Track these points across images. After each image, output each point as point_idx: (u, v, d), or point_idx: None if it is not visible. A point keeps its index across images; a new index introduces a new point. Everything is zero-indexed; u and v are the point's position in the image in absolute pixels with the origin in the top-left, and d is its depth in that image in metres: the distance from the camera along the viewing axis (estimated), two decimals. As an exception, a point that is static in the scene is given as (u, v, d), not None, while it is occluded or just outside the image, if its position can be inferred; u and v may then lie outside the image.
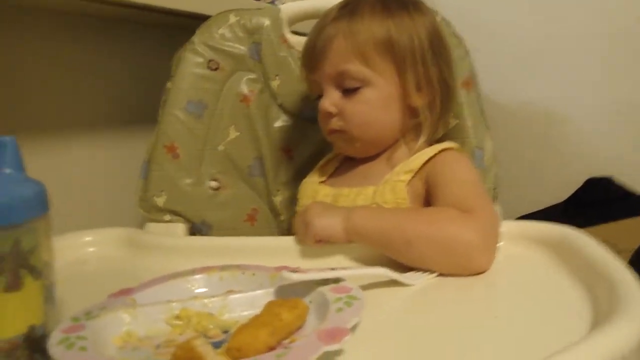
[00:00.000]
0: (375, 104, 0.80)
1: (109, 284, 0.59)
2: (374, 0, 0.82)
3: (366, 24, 0.79)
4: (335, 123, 0.83)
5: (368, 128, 0.82)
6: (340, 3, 0.84)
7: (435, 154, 0.80)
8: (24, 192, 0.45)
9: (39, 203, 0.47)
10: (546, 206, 1.52)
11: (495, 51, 1.59)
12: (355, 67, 0.79)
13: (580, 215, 1.39)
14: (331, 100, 0.81)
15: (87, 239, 0.80)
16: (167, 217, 0.92)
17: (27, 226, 0.45)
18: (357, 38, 0.79)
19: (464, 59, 0.93)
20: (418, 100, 0.81)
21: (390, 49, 0.79)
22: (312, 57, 0.84)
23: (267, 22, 1.00)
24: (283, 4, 1.65)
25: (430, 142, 0.85)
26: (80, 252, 0.78)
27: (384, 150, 0.85)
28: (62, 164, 1.02)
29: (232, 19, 0.99)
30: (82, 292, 0.59)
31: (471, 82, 0.92)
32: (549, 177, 1.58)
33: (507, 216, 0.88)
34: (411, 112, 0.82)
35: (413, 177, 0.79)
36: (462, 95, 0.90)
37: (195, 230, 0.94)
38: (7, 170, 0.47)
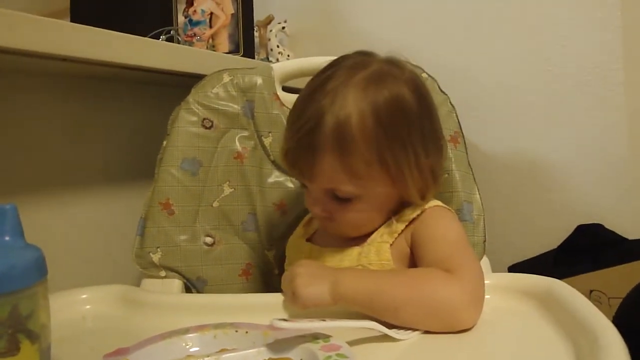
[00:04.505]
0: (369, 210, 0.78)
1: (104, 343, 0.60)
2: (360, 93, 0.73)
3: (356, 141, 0.72)
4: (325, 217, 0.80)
5: (360, 228, 0.81)
6: (321, 84, 0.76)
7: (419, 213, 0.79)
8: (23, 259, 0.47)
9: (37, 269, 0.48)
10: (537, 254, 1.53)
11: (485, 103, 1.63)
12: (347, 188, 0.74)
13: (572, 262, 1.40)
14: (321, 206, 0.78)
15: (83, 296, 0.80)
16: (163, 273, 0.93)
17: (25, 292, 0.46)
18: (348, 158, 0.72)
19: (450, 115, 0.96)
20: (413, 194, 0.78)
21: (384, 165, 0.74)
22: (297, 160, 0.77)
23: (259, 80, 1.03)
24: (277, 60, 1.71)
25: None
26: (76, 309, 0.78)
27: None
28: (58, 220, 1.02)
29: (226, 78, 1.02)
30: (77, 351, 0.60)
31: (458, 138, 0.94)
32: (539, 226, 1.59)
33: (498, 265, 0.90)
34: (403, 200, 0.80)
35: (397, 237, 0.79)
36: (450, 151, 0.92)
37: (190, 285, 0.95)
38: (7, 238, 0.48)
